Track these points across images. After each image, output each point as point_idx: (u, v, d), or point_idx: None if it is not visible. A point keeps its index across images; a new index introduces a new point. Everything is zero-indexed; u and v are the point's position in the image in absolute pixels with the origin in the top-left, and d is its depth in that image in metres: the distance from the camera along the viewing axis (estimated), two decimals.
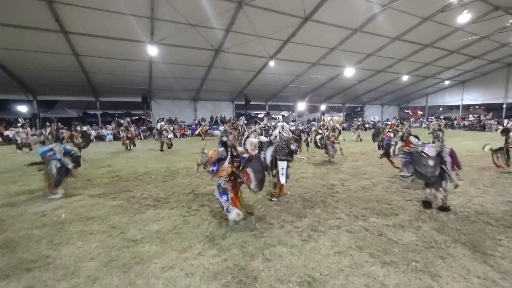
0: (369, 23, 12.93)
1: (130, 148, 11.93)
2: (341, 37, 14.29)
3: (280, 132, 4.81)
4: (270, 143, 4.44)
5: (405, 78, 21.34)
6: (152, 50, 12.42)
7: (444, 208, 4.20)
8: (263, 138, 4.52)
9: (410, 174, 4.55)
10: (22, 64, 13.56)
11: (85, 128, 8.31)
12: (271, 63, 15.62)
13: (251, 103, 22.61)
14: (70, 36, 11.60)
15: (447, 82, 25.28)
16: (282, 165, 4.69)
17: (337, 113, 31.63)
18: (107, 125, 19.43)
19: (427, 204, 4.35)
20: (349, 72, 17.46)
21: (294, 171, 7.18)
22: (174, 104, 21.47)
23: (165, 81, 17.40)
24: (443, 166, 4.06)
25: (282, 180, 4.71)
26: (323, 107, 27.67)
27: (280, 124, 5.01)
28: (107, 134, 17.63)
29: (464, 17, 11.30)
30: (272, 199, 4.81)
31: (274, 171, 4.78)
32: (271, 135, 4.91)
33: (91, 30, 11.44)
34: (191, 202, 4.75)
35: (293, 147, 4.72)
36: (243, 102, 22.34)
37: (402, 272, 2.63)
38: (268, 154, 4.34)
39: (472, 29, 14.23)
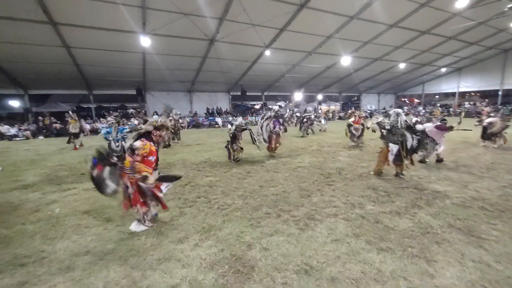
0: (366, 10, 12.66)
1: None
2: (338, 24, 14.02)
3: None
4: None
5: (402, 66, 21.14)
6: (145, 41, 12.08)
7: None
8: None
9: None
10: (10, 57, 13.13)
11: None
12: (267, 53, 15.33)
13: (247, 93, 22.33)
14: (60, 27, 11.20)
15: (443, 70, 25.12)
16: (393, 147, 5.26)
17: (334, 102, 31.51)
18: (101, 119, 19.13)
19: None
20: (346, 60, 17.23)
21: (291, 161, 7.18)
22: (169, 96, 21.12)
23: (159, 72, 17.06)
24: None
25: (390, 159, 5.33)
26: (320, 96, 27.49)
27: (396, 111, 5.50)
28: (102, 127, 17.38)
29: (461, 2, 11.12)
30: (401, 176, 5.44)
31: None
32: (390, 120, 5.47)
33: (80, 21, 11.06)
34: (187, 193, 4.72)
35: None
36: (239, 93, 22.08)
37: (398, 258, 2.64)
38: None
39: (469, 14, 14.01)
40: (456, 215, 3.58)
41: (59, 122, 17.19)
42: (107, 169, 3.10)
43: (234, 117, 21.82)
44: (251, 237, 3.11)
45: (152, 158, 3.29)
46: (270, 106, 25.51)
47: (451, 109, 26.20)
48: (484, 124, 8.57)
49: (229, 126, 7.36)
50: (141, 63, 15.68)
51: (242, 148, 7.35)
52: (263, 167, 6.57)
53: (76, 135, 10.69)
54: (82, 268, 2.58)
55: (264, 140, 7.64)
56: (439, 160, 6.45)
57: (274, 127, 7.68)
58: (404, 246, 2.84)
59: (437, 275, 2.39)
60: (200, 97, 22.47)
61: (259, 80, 21.70)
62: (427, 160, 6.54)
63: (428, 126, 6.06)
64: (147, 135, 3.32)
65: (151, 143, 3.28)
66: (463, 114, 7.63)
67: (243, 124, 7.63)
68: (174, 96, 21.34)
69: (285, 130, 8.47)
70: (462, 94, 29.04)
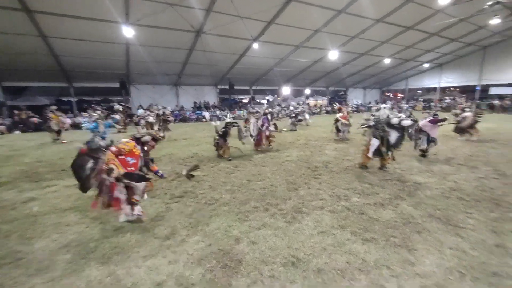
0: (353, 4, 12.72)
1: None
2: (325, 18, 14.03)
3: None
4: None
5: (387, 61, 21.58)
6: (128, 32, 11.60)
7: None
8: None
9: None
10: None
11: None
12: (255, 46, 15.15)
13: (235, 87, 22.10)
14: (35, 15, 10.55)
15: (426, 65, 25.88)
16: (374, 142, 5.42)
17: (321, 96, 31.78)
18: (82, 113, 18.36)
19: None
20: (333, 55, 17.35)
21: (279, 155, 7.21)
22: (155, 89, 20.53)
23: (144, 65, 16.51)
24: None
25: (369, 153, 5.47)
26: (307, 91, 27.64)
27: (378, 107, 5.57)
28: (84, 121, 16.71)
29: None
30: (384, 169, 5.58)
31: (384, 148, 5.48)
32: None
33: (57, 8, 10.43)
34: (174, 189, 4.64)
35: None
36: (227, 87, 21.80)
37: (382, 248, 2.72)
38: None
39: (452, 11, 14.42)
40: (435, 206, 3.73)
41: (37, 116, 16.35)
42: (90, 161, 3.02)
43: (221, 111, 21.62)
44: (238, 231, 3.11)
45: (130, 160, 3.14)
46: (258, 100, 25.45)
47: (432, 104, 27.08)
48: (459, 118, 9.16)
49: (213, 123, 7.22)
50: (125, 54, 15.10)
51: (238, 148, 7.27)
52: (251, 161, 6.56)
53: (59, 131, 10.41)
54: (62, 268, 2.48)
55: (251, 136, 7.55)
56: (423, 155, 6.65)
57: (263, 125, 7.65)
58: (387, 236, 2.93)
59: (418, 263, 2.49)
60: (187, 91, 22.00)
61: (247, 74, 21.50)
62: (426, 153, 6.68)
63: (408, 123, 6.17)
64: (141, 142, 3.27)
65: (138, 147, 3.18)
66: (460, 108, 7.98)
67: (234, 120, 7.58)
68: (160, 89, 20.77)
69: (276, 129, 8.45)
70: (443, 89, 30.06)
